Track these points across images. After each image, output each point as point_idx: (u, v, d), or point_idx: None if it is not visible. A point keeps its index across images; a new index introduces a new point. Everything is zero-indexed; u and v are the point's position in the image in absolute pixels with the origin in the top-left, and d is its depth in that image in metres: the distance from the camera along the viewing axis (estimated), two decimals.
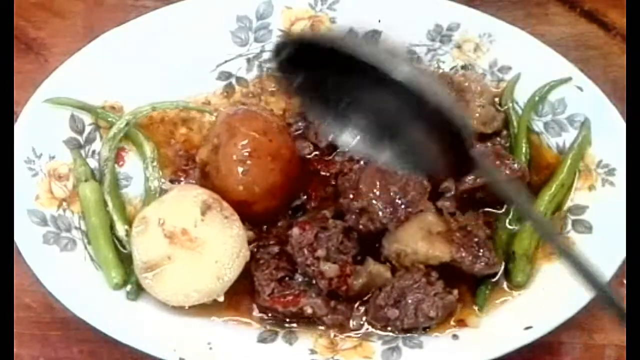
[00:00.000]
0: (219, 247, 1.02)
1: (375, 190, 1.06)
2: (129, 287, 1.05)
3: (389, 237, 1.05)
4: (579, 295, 1.00)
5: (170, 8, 1.19)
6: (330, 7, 1.20)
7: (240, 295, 1.06)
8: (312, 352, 1.01)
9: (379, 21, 1.17)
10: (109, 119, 1.14)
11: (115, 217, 1.09)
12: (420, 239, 1.04)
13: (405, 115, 0.77)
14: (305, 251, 1.03)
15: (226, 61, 1.20)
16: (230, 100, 1.20)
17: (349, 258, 1.04)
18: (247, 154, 1.05)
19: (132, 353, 0.99)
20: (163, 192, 1.12)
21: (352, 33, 0.73)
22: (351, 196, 1.06)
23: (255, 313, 1.05)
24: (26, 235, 1.04)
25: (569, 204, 1.11)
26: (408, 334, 1.02)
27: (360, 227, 1.05)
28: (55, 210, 1.08)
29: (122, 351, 1.00)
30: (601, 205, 1.09)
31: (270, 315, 1.05)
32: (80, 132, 1.14)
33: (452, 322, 1.04)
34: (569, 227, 1.09)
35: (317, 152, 1.16)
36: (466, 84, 1.15)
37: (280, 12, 1.20)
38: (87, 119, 1.14)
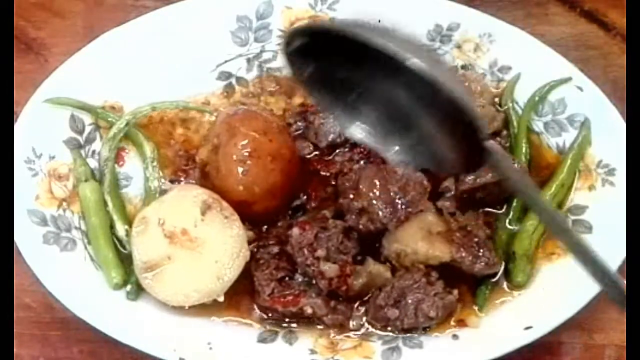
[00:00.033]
0: (219, 247, 1.02)
1: (375, 190, 1.06)
2: (129, 287, 1.05)
3: (389, 237, 1.05)
4: (579, 295, 1.00)
5: (170, 8, 1.19)
6: (330, 7, 1.20)
7: (240, 295, 1.06)
8: (312, 352, 1.01)
9: (379, 21, 1.17)
10: (109, 119, 1.14)
11: (115, 217, 1.09)
12: (420, 239, 1.04)
13: (417, 106, 0.76)
14: (305, 251, 1.03)
15: (226, 61, 1.20)
16: (230, 100, 1.20)
17: (349, 258, 1.04)
18: (247, 154, 1.05)
19: (132, 353, 0.99)
20: (163, 192, 1.12)
21: (364, 22, 0.72)
22: (351, 196, 1.06)
23: (255, 313, 1.05)
24: (26, 235, 1.04)
25: (569, 204, 1.11)
26: (408, 334, 1.02)
27: (360, 227, 1.05)
28: (55, 210, 1.08)
29: (122, 351, 1.00)
30: (601, 205, 1.09)
31: (270, 315, 1.05)
32: (80, 132, 1.14)
33: (452, 322, 1.04)
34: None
35: (317, 152, 1.16)
36: (466, 84, 1.15)
37: (280, 12, 1.21)
38: (87, 119, 1.14)
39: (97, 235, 1.07)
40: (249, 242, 1.05)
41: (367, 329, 1.04)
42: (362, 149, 1.13)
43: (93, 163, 1.13)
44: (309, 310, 1.02)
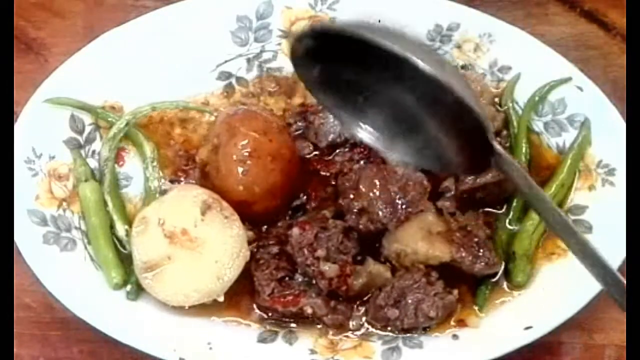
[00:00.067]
0: (219, 247, 1.02)
1: (375, 190, 1.06)
2: (129, 287, 1.05)
3: (389, 237, 1.05)
4: (579, 295, 1.00)
5: (170, 8, 1.19)
6: (330, 7, 1.20)
7: (240, 295, 1.06)
8: (312, 352, 1.01)
9: (379, 21, 1.17)
10: (109, 119, 1.14)
11: (115, 217, 1.09)
12: (420, 239, 1.04)
13: (424, 108, 0.76)
14: (305, 251, 1.03)
15: (226, 61, 1.20)
16: (230, 100, 1.20)
17: (349, 258, 1.04)
18: (247, 154, 1.05)
19: (132, 353, 0.99)
20: (163, 192, 1.12)
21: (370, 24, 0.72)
22: (351, 196, 1.06)
23: (255, 313, 1.05)
24: (26, 235, 1.04)
25: (569, 204, 1.11)
26: (408, 334, 1.02)
27: (360, 227, 1.05)
28: (55, 210, 1.08)
29: (122, 351, 1.00)
30: (601, 205, 1.09)
31: (270, 315, 1.05)
32: (80, 132, 1.14)
33: (452, 322, 1.04)
34: None
35: (317, 152, 1.16)
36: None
37: (280, 12, 1.21)
38: (87, 119, 1.14)
39: (97, 235, 1.07)
40: (249, 242, 1.05)
41: (367, 329, 1.04)
42: (362, 149, 1.13)
43: (93, 163, 1.13)
44: (309, 310, 1.02)
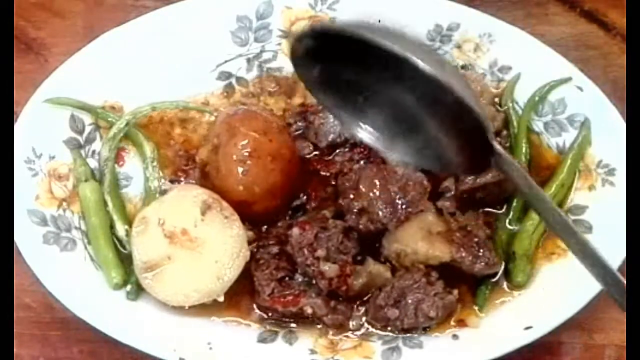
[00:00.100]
0: (219, 247, 1.02)
1: (375, 190, 1.06)
2: (129, 287, 1.05)
3: (389, 237, 1.05)
4: (579, 295, 1.00)
5: (170, 8, 1.19)
6: (330, 7, 1.20)
7: (240, 295, 1.06)
8: (312, 352, 1.01)
9: (379, 21, 1.17)
10: (109, 119, 1.14)
11: (115, 217, 1.09)
12: (420, 239, 1.04)
13: (424, 109, 0.76)
14: (305, 251, 1.03)
15: (226, 61, 1.20)
16: (230, 100, 1.20)
17: (349, 258, 1.04)
18: (247, 154, 1.05)
19: (132, 353, 0.99)
20: (163, 192, 1.12)
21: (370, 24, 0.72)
22: (351, 196, 1.06)
23: (255, 313, 1.05)
24: (26, 235, 1.04)
25: (569, 204, 1.11)
26: (408, 334, 1.02)
27: (360, 227, 1.05)
28: (55, 210, 1.08)
29: (122, 351, 1.00)
30: (601, 205, 1.09)
31: (270, 315, 1.05)
32: (80, 132, 1.14)
33: (452, 322, 1.04)
34: None
35: (317, 152, 1.16)
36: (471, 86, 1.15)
37: (280, 12, 1.21)
38: (87, 119, 1.14)
39: (97, 235, 1.07)
40: (249, 242, 1.05)
41: (367, 329, 1.04)
42: (362, 149, 1.13)
43: (93, 163, 1.13)
44: (309, 310, 1.02)
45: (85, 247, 1.08)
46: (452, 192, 1.09)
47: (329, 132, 1.15)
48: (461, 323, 1.04)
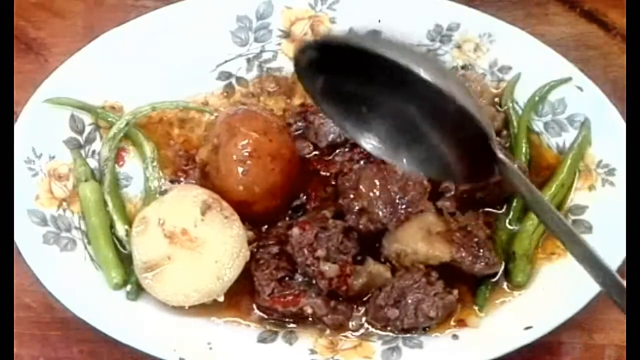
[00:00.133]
0: (219, 247, 1.02)
1: (375, 190, 1.06)
2: (129, 287, 1.05)
3: (389, 237, 1.05)
4: (579, 295, 1.00)
5: (170, 8, 1.19)
6: (330, 7, 1.20)
7: (240, 295, 1.06)
8: (312, 352, 1.01)
9: (379, 21, 1.17)
10: (109, 119, 1.14)
11: (115, 217, 1.09)
12: (420, 239, 1.04)
13: (427, 118, 0.76)
14: (305, 251, 1.03)
15: (226, 61, 1.20)
16: (230, 100, 1.20)
17: (349, 258, 1.04)
18: (247, 154, 1.05)
19: (132, 353, 0.99)
20: (163, 192, 1.12)
21: (375, 33, 0.72)
22: (351, 196, 1.06)
23: (255, 313, 1.05)
24: (26, 235, 1.04)
25: (569, 204, 1.11)
26: (408, 334, 1.02)
27: (360, 227, 1.05)
28: (55, 210, 1.08)
29: (122, 351, 1.00)
30: (601, 205, 1.09)
31: (270, 315, 1.05)
32: (80, 132, 1.14)
33: (452, 322, 1.04)
34: None
35: (317, 152, 1.16)
36: (466, 84, 1.15)
37: (280, 12, 1.21)
38: (87, 119, 1.14)
39: (97, 235, 1.07)
40: (249, 242, 1.05)
41: (367, 329, 1.04)
42: (362, 149, 1.13)
43: (93, 163, 1.13)
44: (309, 310, 1.02)
45: (85, 247, 1.08)
46: (452, 192, 1.09)
47: (329, 132, 1.15)
48: (461, 323, 1.04)
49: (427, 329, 1.03)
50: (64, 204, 1.09)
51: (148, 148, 1.14)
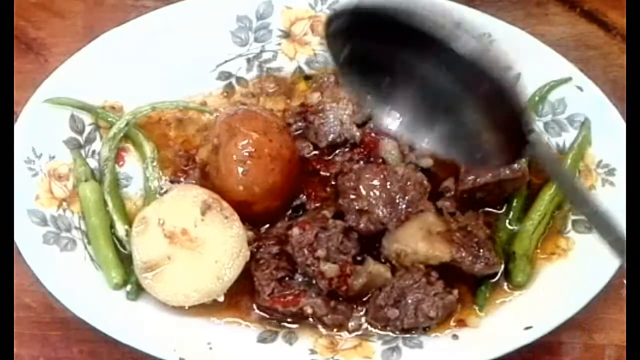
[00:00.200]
0: (219, 247, 1.02)
1: (375, 190, 1.06)
2: (129, 287, 1.05)
3: (389, 237, 1.05)
4: (579, 295, 1.00)
5: (170, 8, 1.19)
6: (330, 7, 1.20)
7: (240, 295, 1.06)
8: (312, 352, 1.01)
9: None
10: (109, 119, 1.14)
11: (115, 217, 1.09)
12: (420, 239, 1.04)
13: (457, 94, 0.72)
14: (305, 251, 1.03)
15: (226, 61, 1.20)
16: (230, 100, 1.20)
17: (349, 258, 1.04)
18: (247, 154, 1.05)
19: (132, 353, 0.99)
20: (163, 192, 1.12)
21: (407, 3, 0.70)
22: (351, 196, 1.06)
23: (255, 313, 1.05)
24: (26, 235, 1.04)
25: (569, 204, 1.11)
26: (408, 334, 1.02)
27: (360, 227, 1.05)
28: (55, 210, 1.08)
29: (122, 351, 1.00)
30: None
31: (270, 315, 1.05)
32: (80, 132, 1.14)
33: (452, 322, 1.04)
34: (569, 227, 1.09)
35: (317, 152, 1.16)
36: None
37: (280, 12, 1.20)
38: (87, 119, 1.14)
39: (97, 235, 1.07)
40: (249, 242, 1.05)
41: (367, 329, 1.04)
42: (362, 149, 1.13)
43: (93, 163, 1.13)
44: (309, 310, 1.02)
45: (85, 247, 1.08)
46: (452, 192, 1.09)
47: (329, 132, 1.15)
48: (461, 323, 1.04)
49: (427, 329, 1.03)
50: (64, 204, 1.09)
51: (148, 148, 1.14)
